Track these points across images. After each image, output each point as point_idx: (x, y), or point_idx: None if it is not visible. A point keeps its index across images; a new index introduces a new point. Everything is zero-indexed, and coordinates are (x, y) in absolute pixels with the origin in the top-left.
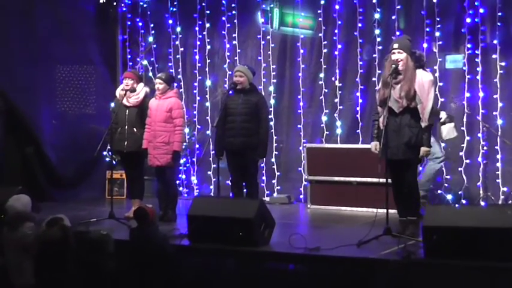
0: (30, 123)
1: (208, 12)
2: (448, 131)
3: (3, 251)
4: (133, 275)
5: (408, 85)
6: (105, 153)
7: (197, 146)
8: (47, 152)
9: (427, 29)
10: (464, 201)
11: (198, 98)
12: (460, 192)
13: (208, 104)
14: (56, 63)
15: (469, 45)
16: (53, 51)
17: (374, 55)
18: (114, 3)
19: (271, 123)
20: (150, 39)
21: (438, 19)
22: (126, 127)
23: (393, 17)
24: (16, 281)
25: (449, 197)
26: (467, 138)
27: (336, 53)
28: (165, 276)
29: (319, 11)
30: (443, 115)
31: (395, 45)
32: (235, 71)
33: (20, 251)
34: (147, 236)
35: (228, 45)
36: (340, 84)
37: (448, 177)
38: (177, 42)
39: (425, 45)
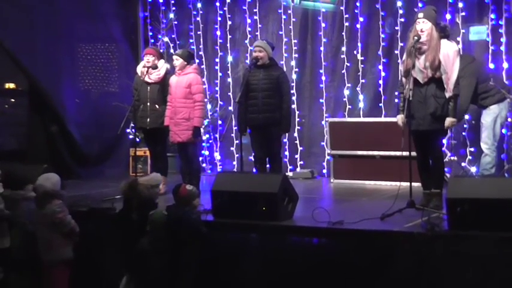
0: (54, 102)
1: None
2: None
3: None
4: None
5: (433, 55)
6: (128, 130)
7: (220, 122)
8: (71, 130)
9: (450, 0)
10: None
11: (219, 74)
12: None
13: (230, 80)
14: (78, 41)
15: (492, 16)
16: (75, 29)
17: (396, 28)
18: None
19: (293, 98)
20: (171, 15)
21: None
22: (148, 104)
23: None
24: (44, 257)
25: (473, 169)
26: None
27: (358, 26)
28: (199, 256)
29: None
30: None
31: (420, 15)
32: (254, 46)
33: (48, 228)
34: (181, 215)
35: (249, 21)
36: (362, 58)
37: (472, 149)
38: (198, 19)
39: (448, 16)
